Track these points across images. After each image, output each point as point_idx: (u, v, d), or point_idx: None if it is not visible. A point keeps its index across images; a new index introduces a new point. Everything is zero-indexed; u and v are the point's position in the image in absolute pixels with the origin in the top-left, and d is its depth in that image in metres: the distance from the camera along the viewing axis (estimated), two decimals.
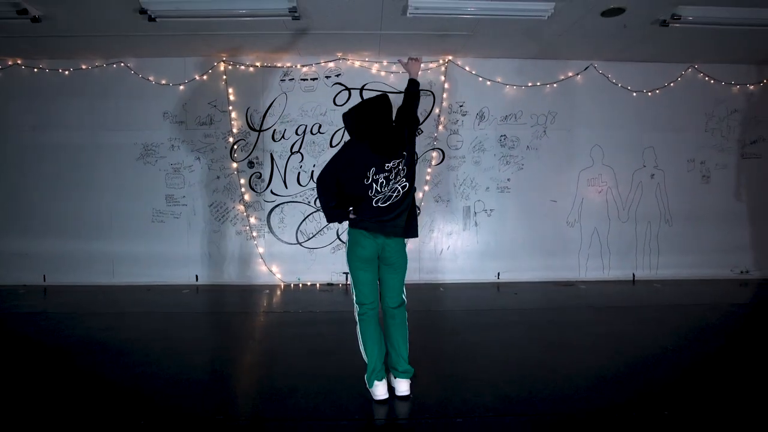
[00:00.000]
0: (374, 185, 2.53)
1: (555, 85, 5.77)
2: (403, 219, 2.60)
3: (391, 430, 2.35)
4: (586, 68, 5.77)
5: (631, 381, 2.85)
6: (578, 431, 2.29)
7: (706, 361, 3.18)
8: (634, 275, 5.95)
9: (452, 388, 2.74)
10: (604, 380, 2.85)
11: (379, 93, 2.73)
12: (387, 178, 2.53)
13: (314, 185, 5.54)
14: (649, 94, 5.83)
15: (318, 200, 2.91)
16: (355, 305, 2.64)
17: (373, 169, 2.51)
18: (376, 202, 2.54)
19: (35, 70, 5.57)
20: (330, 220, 2.68)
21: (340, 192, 2.59)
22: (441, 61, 5.64)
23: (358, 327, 2.64)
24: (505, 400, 2.57)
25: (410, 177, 2.61)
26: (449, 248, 5.78)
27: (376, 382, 2.54)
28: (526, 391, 2.69)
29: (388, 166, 2.53)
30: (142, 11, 4.15)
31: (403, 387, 2.59)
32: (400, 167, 2.56)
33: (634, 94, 5.82)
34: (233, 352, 3.49)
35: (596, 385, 2.79)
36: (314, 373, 2.97)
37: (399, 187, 2.55)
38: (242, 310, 4.67)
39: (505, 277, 5.82)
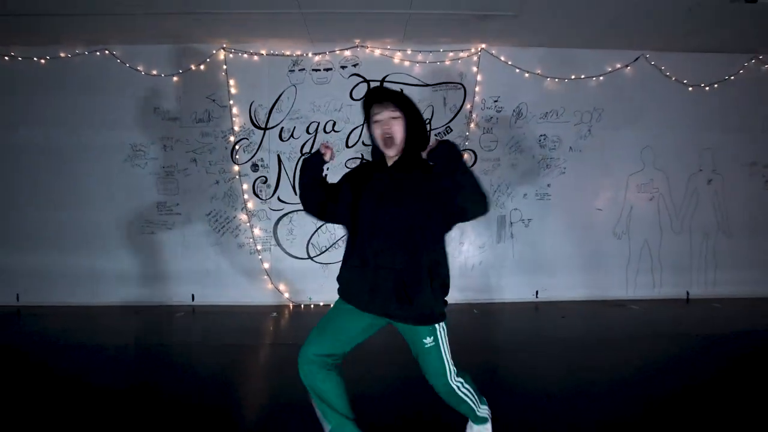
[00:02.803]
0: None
1: (601, 78, 5.07)
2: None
3: None
4: (637, 59, 5.08)
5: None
6: None
7: None
8: (688, 293, 5.27)
9: None
10: None
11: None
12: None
13: None
14: (707, 88, 5.15)
15: None
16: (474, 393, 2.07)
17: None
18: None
19: (6, 58, 4.82)
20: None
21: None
22: (473, 50, 4.93)
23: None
24: None
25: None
26: (481, 263, 5.07)
27: None
28: None
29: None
30: None
31: None
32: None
33: (690, 88, 5.13)
34: (232, 410, 2.76)
35: None
36: None
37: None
38: (245, 342, 3.93)
39: (544, 296, 5.13)
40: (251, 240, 4.96)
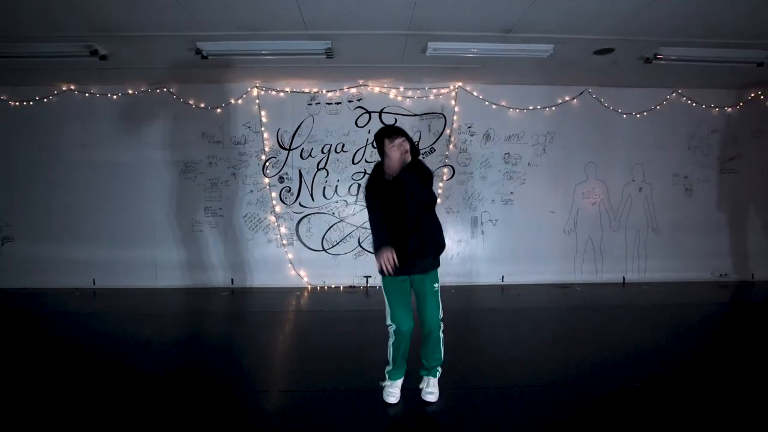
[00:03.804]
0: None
1: (553, 108, 6.42)
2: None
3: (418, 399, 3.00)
4: (581, 93, 6.43)
5: (625, 365, 3.51)
6: (595, 405, 2.95)
7: (688, 351, 3.85)
8: (624, 278, 6.62)
9: (472, 372, 3.39)
10: (602, 367, 3.51)
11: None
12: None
13: (338, 198, 6.22)
14: (638, 116, 6.50)
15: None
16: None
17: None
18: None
19: (86, 95, 6.19)
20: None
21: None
22: (452, 87, 6.29)
23: None
24: (521, 380, 3.23)
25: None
26: (459, 254, 6.43)
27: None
28: (536, 376, 3.35)
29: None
30: (198, 51, 4.79)
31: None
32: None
33: (624, 116, 6.49)
34: (271, 345, 4.14)
35: (596, 370, 3.44)
36: (338, 358, 3.62)
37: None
38: (276, 310, 5.32)
39: (508, 280, 6.48)
40: (278, 236, 6.32)
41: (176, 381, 3.29)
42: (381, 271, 2.86)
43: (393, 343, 2.93)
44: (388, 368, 3.00)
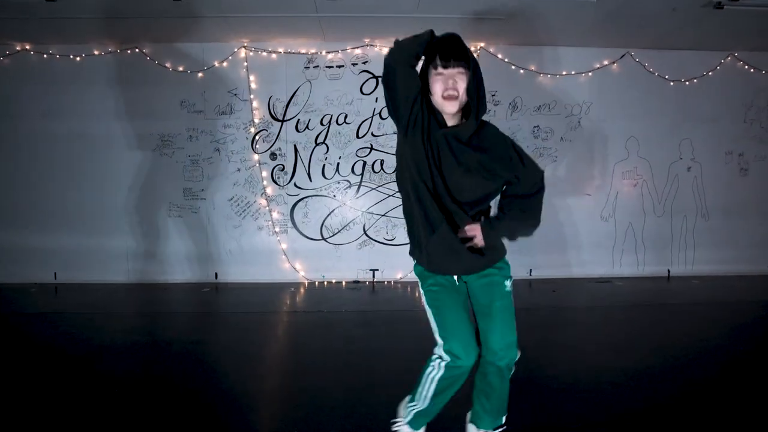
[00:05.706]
0: None
1: (590, 74, 5.53)
2: None
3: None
4: (622, 56, 5.53)
5: (680, 378, 2.64)
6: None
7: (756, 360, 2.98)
8: (669, 271, 5.75)
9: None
10: (657, 377, 2.63)
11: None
12: None
13: (340, 178, 5.36)
14: (687, 83, 5.61)
15: None
16: None
17: None
18: None
19: (45, 56, 5.26)
20: None
21: None
22: (473, 48, 5.38)
23: None
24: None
25: None
26: None
27: None
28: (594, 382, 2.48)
29: None
30: None
31: None
32: None
33: (671, 83, 5.60)
34: (259, 355, 3.25)
35: (650, 382, 2.57)
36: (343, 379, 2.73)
37: None
38: (266, 310, 4.42)
39: (537, 274, 5.60)
40: (270, 223, 5.42)
41: (134, 399, 2.39)
42: (411, 253, 1.87)
43: (439, 378, 1.77)
44: (413, 406, 1.87)
